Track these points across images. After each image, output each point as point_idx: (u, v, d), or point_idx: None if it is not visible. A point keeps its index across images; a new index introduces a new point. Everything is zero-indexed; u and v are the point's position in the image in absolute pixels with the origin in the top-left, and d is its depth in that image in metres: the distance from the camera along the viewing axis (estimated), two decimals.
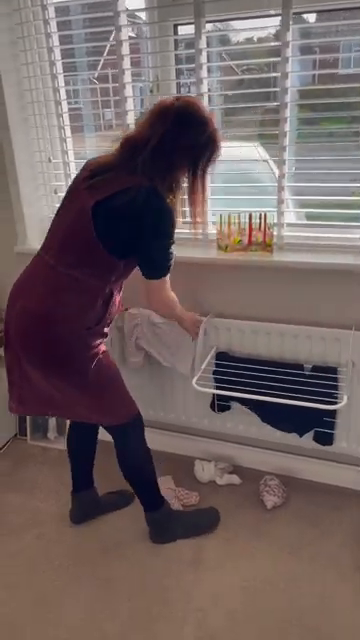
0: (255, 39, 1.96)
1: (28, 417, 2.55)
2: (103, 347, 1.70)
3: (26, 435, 2.57)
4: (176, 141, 1.47)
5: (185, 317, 1.92)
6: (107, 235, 1.49)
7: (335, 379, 1.87)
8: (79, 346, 1.60)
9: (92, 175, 1.53)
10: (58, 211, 1.62)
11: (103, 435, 1.90)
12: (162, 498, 1.93)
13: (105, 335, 1.71)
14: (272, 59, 1.81)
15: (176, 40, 1.97)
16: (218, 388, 1.97)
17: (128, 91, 1.97)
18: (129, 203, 1.46)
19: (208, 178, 1.62)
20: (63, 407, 1.73)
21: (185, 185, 1.57)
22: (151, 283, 1.63)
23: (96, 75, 2.23)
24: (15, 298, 1.63)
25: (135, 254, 1.57)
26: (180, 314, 1.87)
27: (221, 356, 2.03)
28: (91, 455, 2.00)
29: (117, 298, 1.69)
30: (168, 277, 1.63)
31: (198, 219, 1.67)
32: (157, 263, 1.59)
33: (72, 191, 1.59)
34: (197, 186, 1.57)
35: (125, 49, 1.91)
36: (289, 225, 1.96)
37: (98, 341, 1.66)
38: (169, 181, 1.51)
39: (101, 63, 2.18)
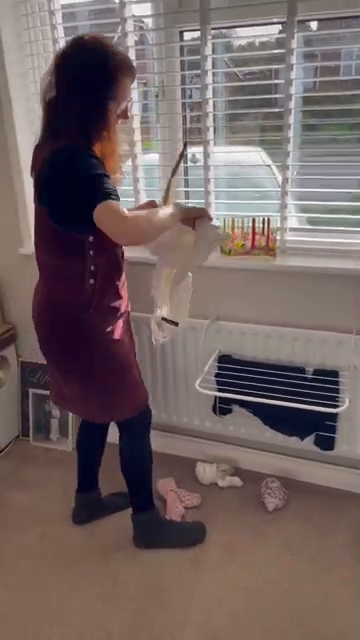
0: (257, 43, 1.99)
1: (30, 418, 2.56)
2: (117, 332, 1.66)
3: (29, 436, 2.59)
4: (64, 84, 1.42)
5: (186, 212, 1.60)
6: (56, 214, 1.47)
7: (336, 383, 1.89)
8: (83, 330, 1.60)
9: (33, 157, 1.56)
10: None
11: (109, 437, 1.93)
12: (154, 503, 1.93)
13: (116, 310, 1.65)
14: (276, 66, 1.84)
15: (181, 46, 1.99)
16: (220, 391, 1.99)
17: (135, 95, 1.99)
18: (47, 176, 1.43)
19: (114, 119, 1.49)
20: (72, 401, 1.77)
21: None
22: (96, 216, 1.35)
23: None
24: (32, 302, 1.72)
25: (90, 222, 1.39)
26: (167, 212, 1.53)
27: (223, 359, 2.05)
28: (99, 456, 2.02)
29: (113, 272, 1.62)
30: (115, 202, 1.36)
31: (113, 163, 1.53)
32: (88, 193, 1.36)
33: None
34: (102, 130, 1.46)
35: (131, 55, 1.93)
36: (292, 230, 1.99)
37: (108, 321, 1.63)
38: (78, 131, 1.42)
39: None
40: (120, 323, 1.68)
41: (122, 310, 1.69)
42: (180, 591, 1.77)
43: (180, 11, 1.90)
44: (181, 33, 1.97)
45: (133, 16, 1.91)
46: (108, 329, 1.64)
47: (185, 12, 1.88)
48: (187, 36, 1.99)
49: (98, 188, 1.36)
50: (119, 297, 1.67)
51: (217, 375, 2.02)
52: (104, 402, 1.72)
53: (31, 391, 2.54)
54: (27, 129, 2.18)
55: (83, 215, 1.39)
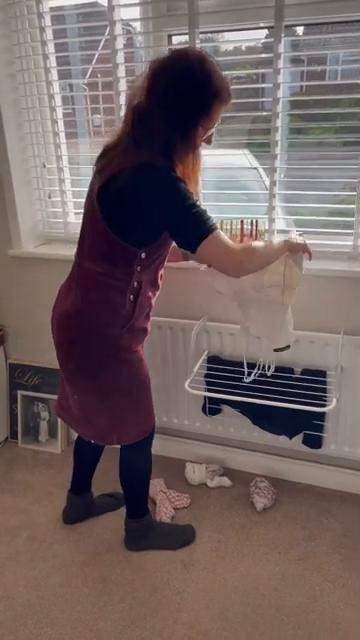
0: (243, 48, 2.01)
1: (19, 420, 2.55)
2: (141, 352, 1.66)
3: (17, 438, 2.58)
4: (157, 97, 1.33)
5: (284, 244, 1.55)
6: (115, 223, 1.42)
7: (324, 382, 1.91)
8: (112, 347, 1.56)
9: (99, 159, 1.48)
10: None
11: None
12: (147, 509, 1.93)
13: (145, 331, 1.66)
14: (263, 70, 1.87)
15: (170, 50, 2.00)
16: (209, 391, 2.00)
17: (123, 98, 2.01)
18: (123, 188, 1.36)
19: (198, 144, 1.43)
20: (77, 419, 1.74)
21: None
22: (203, 252, 1.39)
23: (85, 81, 2.26)
24: (55, 305, 1.65)
25: (154, 242, 1.46)
26: (276, 247, 1.54)
27: (213, 359, 2.06)
28: (95, 461, 2.02)
29: (150, 291, 1.60)
30: (219, 234, 1.40)
31: (195, 193, 1.46)
32: (191, 230, 1.38)
33: (91, 186, 1.51)
34: (185, 154, 1.39)
35: (120, 58, 1.95)
36: (280, 232, 2.00)
37: (136, 340, 1.62)
38: (161, 149, 1.36)
39: (90, 71, 2.22)
40: (143, 343, 1.70)
41: (149, 330, 1.70)
42: (170, 591, 1.78)
43: (168, 15, 1.92)
44: (170, 37, 1.99)
45: (122, 20, 1.93)
46: (137, 348, 1.63)
47: (173, 16, 1.89)
48: (175, 40, 2.01)
49: (199, 221, 1.36)
50: (149, 318, 1.67)
51: (206, 376, 2.03)
52: (114, 422, 1.69)
53: (20, 393, 2.53)
54: (15, 131, 2.18)
55: (154, 236, 1.44)
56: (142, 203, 1.38)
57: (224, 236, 1.41)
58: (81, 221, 1.57)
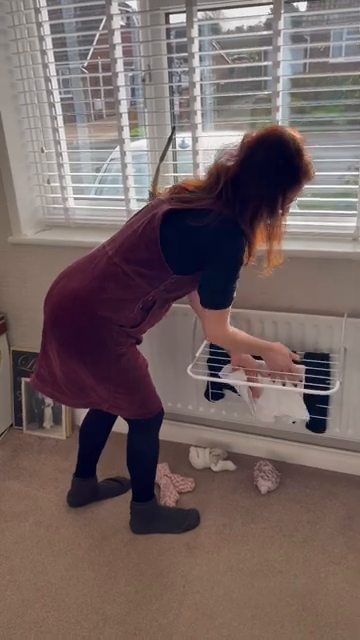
0: (246, 27, 1.97)
1: (23, 407, 2.56)
2: (134, 348, 1.72)
3: (22, 425, 2.59)
4: (251, 168, 1.46)
5: (272, 347, 1.77)
6: (169, 245, 1.51)
7: (328, 365, 1.90)
8: (108, 338, 1.61)
9: (178, 192, 1.58)
10: (132, 216, 1.66)
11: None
12: (153, 493, 1.95)
13: (139, 341, 1.75)
14: (263, 48, 1.82)
15: (168, 29, 1.96)
16: (212, 376, 1.99)
17: (120, 80, 1.97)
18: (202, 227, 1.46)
19: (281, 215, 1.54)
20: (70, 395, 1.75)
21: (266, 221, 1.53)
22: (208, 313, 1.60)
23: (86, 64, 2.22)
24: (60, 277, 1.68)
25: (190, 275, 1.57)
26: (261, 346, 1.76)
27: (215, 344, 2.05)
28: (100, 446, 2.03)
29: (160, 312, 1.71)
30: (227, 312, 1.60)
31: (272, 259, 1.59)
32: (216, 294, 1.57)
33: (156, 202, 1.61)
34: (276, 222, 1.52)
35: (117, 38, 1.91)
36: None
37: (129, 342, 1.68)
38: (250, 213, 1.48)
39: (91, 52, 2.18)
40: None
41: (141, 342, 1.78)
42: (175, 574, 1.79)
43: None
44: (167, 15, 1.95)
45: None
46: (130, 347, 1.69)
47: None
48: (175, 19, 1.96)
49: (226, 296, 1.57)
50: (144, 332, 1.74)
51: (209, 361, 2.02)
52: (118, 399, 1.71)
53: (23, 380, 2.54)
54: (12, 115, 2.15)
55: (192, 272, 1.56)
56: (209, 250, 1.50)
57: (227, 317, 1.62)
58: (126, 221, 1.67)
